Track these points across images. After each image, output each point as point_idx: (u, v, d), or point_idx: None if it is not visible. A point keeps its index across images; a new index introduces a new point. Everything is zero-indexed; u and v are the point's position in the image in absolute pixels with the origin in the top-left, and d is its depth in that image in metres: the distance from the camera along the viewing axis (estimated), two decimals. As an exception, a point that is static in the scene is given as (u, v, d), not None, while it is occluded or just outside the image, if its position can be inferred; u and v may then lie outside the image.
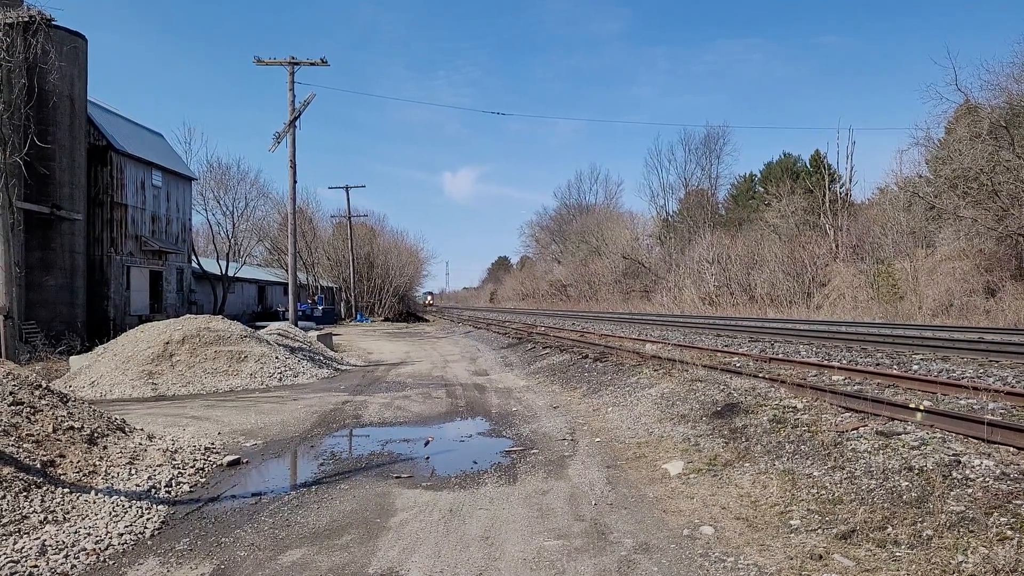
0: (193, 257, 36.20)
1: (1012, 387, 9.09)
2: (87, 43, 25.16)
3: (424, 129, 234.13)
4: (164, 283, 30.90)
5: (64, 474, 6.07)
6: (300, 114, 24.28)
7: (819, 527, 5.14)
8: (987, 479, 5.08)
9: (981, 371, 11.15)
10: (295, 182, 24.85)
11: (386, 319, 56.64)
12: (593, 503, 6.12)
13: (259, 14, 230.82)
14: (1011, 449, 5.81)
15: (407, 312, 64.98)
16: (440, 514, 5.90)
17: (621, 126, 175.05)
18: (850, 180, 50.83)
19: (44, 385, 7.44)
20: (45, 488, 5.64)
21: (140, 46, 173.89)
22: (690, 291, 50.77)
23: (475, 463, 7.80)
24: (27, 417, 6.53)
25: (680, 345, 17.01)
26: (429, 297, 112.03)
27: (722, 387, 9.74)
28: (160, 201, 30.60)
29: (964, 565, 4.14)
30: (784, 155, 61.71)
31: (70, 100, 23.81)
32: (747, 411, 8.29)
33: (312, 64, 24.33)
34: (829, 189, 48.70)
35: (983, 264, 30.77)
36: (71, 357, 16.81)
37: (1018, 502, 4.66)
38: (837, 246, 43.68)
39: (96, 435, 7.04)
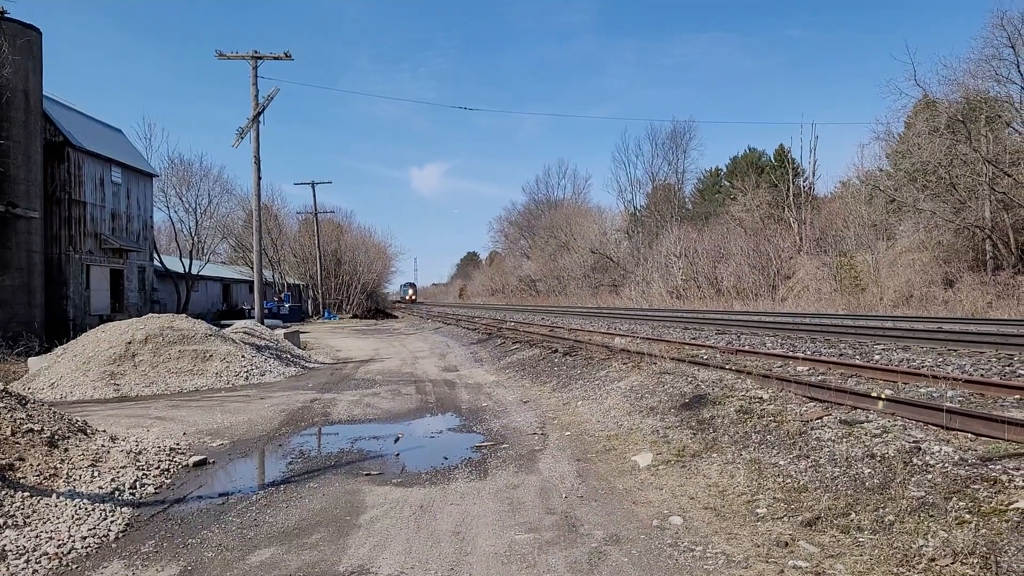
0: (155, 255, 35.51)
1: (970, 375, 9.33)
2: (42, 36, 24.47)
3: (391, 124, 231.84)
4: (125, 282, 30.23)
5: (24, 478, 5.91)
6: (264, 109, 23.90)
7: (785, 515, 5.24)
8: (946, 465, 5.21)
9: (940, 360, 11.43)
10: (259, 178, 24.48)
11: (355, 316, 56.16)
12: (564, 496, 6.15)
13: (222, 5, 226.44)
14: (969, 435, 5.97)
15: (376, 309, 64.50)
16: (411, 510, 5.87)
17: (589, 121, 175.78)
18: (813, 174, 51.96)
19: (1, 387, 7.24)
20: (4, 492, 5.49)
21: (97, 40, 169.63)
22: (658, 285, 51.24)
23: (445, 459, 7.79)
24: (-17, 420, 6.34)
25: (648, 338, 17.15)
26: (411, 291, 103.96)
27: (690, 379, 9.85)
28: (120, 198, 29.93)
29: (925, 549, 4.24)
30: (749, 149, 62.83)
31: (24, 95, 23.13)
32: (714, 402, 8.40)
33: (276, 58, 23.95)
34: (793, 183, 49.55)
35: (942, 256, 31.58)
36: (29, 358, 16.38)
37: (976, 487, 4.79)
38: (801, 239, 44.46)
39: (57, 437, 6.87)
